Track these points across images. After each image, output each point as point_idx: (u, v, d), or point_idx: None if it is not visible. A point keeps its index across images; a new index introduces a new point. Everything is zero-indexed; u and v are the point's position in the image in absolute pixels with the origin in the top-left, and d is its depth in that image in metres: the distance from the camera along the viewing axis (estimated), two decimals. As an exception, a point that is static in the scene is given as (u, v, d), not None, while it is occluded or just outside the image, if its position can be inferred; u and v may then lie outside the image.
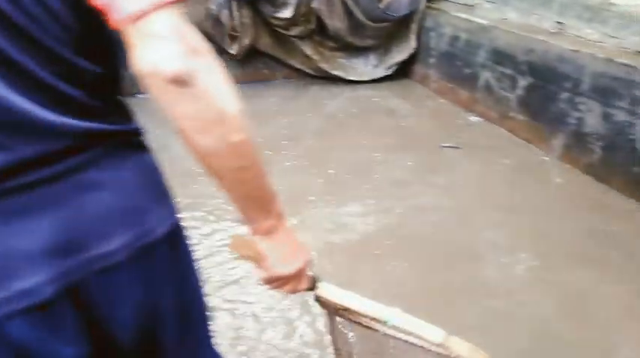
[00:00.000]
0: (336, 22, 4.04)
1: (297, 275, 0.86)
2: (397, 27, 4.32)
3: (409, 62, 4.47)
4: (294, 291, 0.89)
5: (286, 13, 3.91)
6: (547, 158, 3.00)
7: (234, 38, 4.12)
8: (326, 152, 3.17)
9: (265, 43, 4.22)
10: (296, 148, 3.22)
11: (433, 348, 0.91)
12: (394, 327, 0.93)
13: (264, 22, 4.08)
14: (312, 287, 0.94)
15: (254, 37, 4.10)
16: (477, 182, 2.77)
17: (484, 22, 3.52)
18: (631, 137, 2.48)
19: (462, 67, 3.79)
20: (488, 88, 3.53)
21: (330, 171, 2.91)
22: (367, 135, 3.44)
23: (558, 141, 2.95)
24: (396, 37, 4.42)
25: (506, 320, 1.80)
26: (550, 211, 2.48)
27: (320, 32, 4.20)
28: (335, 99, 4.16)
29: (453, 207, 2.54)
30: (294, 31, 4.08)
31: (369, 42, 4.29)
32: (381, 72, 4.43)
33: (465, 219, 2.43)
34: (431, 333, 0.90)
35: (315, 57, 4.27)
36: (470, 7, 3.89)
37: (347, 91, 4.31)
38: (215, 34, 4.10)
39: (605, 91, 2.58)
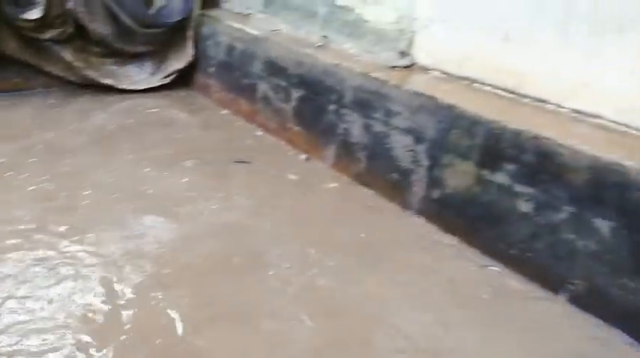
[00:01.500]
0: (99, 27, 3.63)
1: None
2: (172, 33, 4.08)
3: (190, 71, 4.26)
4: None
5: (34, 13, 3.38)
6: (322, 168, 3.07)
7: (-31, 40, 3.42)
8: (86, 171, 2.78)
9: (12, 48, 3.60)
10: (48, 168, 2.76)
11: None
12: None
13: (8, 22, 3.47)
14: None
15: (-4, 39, 3.46)
16: (257, 197, 2.69)
17: (257, 32, 3.49)
18: (387, 146, 2.65)
19: (240, 78, 3.72)
20: (266, 99, 3.51)
21: (86, 192, 2.54)
22: (140, 149, 3.13)
23: (330, 151, 3.05)
24: (172, 44, 4.17)
25: (278, 342, 1.72)
26: (323, 220, 2.51)
27: (83, 36, 3.74)
28: (105, 111, 3.74)
29: (230, 225, 2.41)
30: (48, 35, 3.55)
31: (140, 48, 3.96)
32: (158, 80, 4.13)
33: (246, 236, 2.32)
34: None
35: (79, 64, 3.79)
36: (245, 16, 3.84)
37: (120, 102, 3.92)
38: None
39: (364, 104, 2.73)
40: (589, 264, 1.94)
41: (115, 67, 4.01)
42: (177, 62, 4.15)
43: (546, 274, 2.08)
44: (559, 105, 2.21)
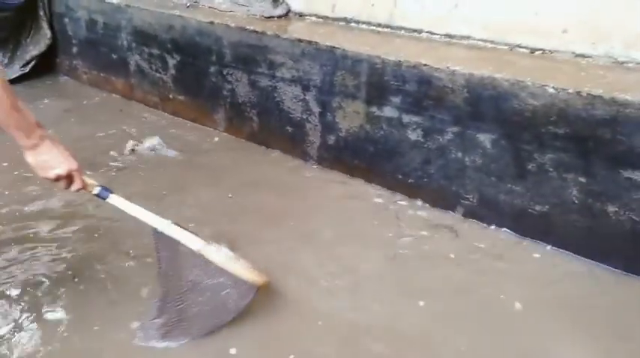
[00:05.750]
0: None
1: (65, 177, 1.38)
2: (22, 16, 3.66)
3: (51, 54, 3.87)
4: (68, 189, 1.42)
5: None
6: (215, 133, 2.97)
7: None
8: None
9: None
10: None
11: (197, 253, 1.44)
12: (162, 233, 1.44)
13: None
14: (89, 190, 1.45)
15: None
16: (147, 176, 2.56)
17: (118, 1, 3.23)
18: (277, 100, 2.61)
19: (108, 53, 3.44)
20: (141, 71, 3.29)
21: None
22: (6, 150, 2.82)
23: (220, 114, 2.95)
24: (25, 28, 3.75)
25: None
26: (219, 186, 2.44)
27: None
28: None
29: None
30: None
31: (-14, 37, 3.52)
32: (16, 70, 3.71)
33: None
34: (192, 241, 1.45)
35: None
36: (101, -14, 3.54)
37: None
38: None
39: (246, 59, 2.65)
40: (478, 178, 2.08)
41: (-43, 62, 3.53)
42: (35, 47, 3.76)
43: (443, 195, 2.20)
44: (432, 32, 2.30)
